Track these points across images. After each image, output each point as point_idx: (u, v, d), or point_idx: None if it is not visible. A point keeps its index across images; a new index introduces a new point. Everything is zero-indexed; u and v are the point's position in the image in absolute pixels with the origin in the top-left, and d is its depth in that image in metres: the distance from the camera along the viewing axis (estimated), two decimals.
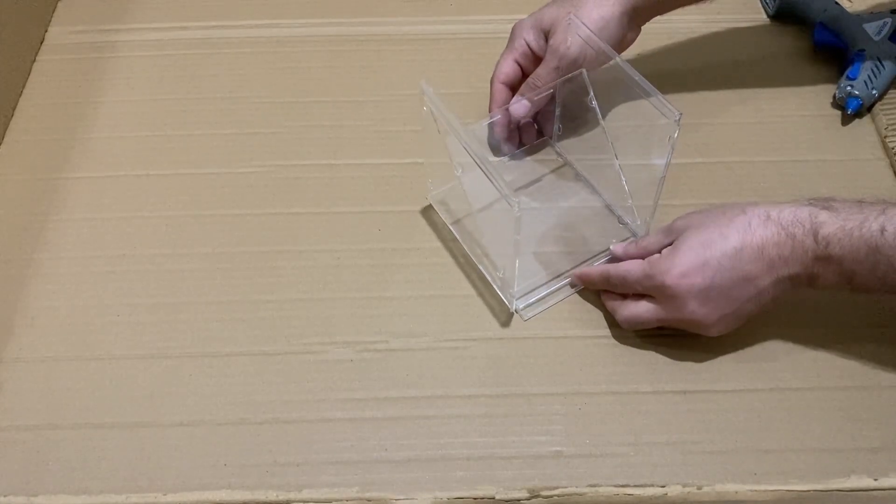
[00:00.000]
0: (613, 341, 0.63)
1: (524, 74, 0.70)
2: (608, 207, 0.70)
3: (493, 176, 0.55)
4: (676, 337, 0.61)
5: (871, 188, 0.71)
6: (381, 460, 0.57)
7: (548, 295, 0.65)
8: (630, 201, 0.68)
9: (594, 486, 0.56)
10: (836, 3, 0.82)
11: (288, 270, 0.67)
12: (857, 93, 0.74)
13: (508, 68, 0.70)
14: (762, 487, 0.56)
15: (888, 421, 0.58)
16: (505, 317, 0.64)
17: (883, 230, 0.52)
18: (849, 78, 0.75)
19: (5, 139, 0.76)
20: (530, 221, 0.69)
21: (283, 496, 0.56)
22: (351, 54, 0.83)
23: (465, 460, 0.57)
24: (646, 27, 0.71)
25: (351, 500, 0.56)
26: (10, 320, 0.64)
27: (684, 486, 0.56)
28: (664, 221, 0.62)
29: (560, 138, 0.74)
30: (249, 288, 0.66)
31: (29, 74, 0.82)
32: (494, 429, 0.59)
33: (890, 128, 0.75)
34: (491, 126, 0.73)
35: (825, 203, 0.55)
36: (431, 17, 0.86)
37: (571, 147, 0.74)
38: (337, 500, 0.56)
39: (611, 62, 0.64)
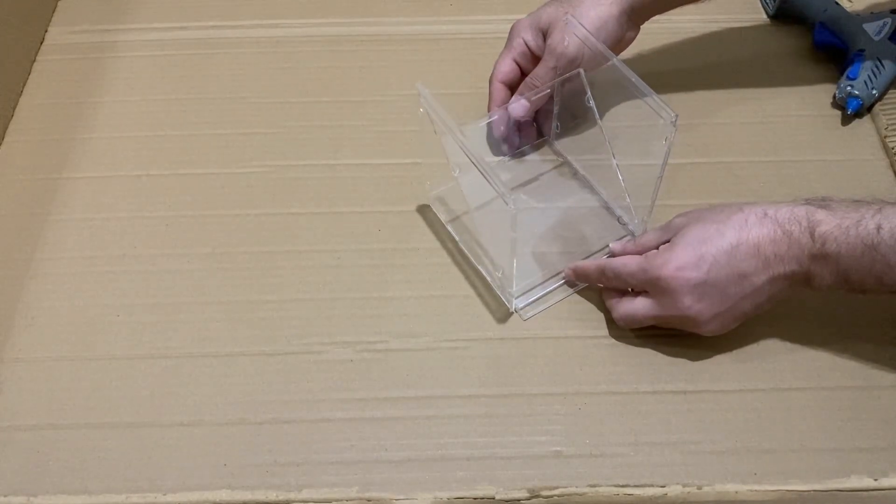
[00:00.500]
0: (613, 341, 0.63)
1: (523, 74, 0.70)
2: (607, 207, 0.70)
3: (489, 174, 0.55)
4: (676, 337, 0.61)
5: (871, 188, 0.71)
6: (381, 460, 0.57)
7: (547, 294, 0.65)
8: (628, 200, 0.68)
9: (594, 486, 0.56)
10: (836, 3, 0.81)
11: (288, 270, 0.67)
12: (857, 93, 0.74)
13: (507, 68, 0.70)
14: (762, 487, 0.56)
15: (888, 421, 0.58)
16: (505, 317, 0.64)
17: (879, 228, 0.52)
18: (849, 78, 0.75)
19: (5, 139, 0.76)
20: (529, 221, 0.69)
21: (283, 496, 0.56)
22: (351, 54, 0.83)
23: (465, 460, 0.57)
24: (645, 27, 0.71)
25: (351, 500, 0.56)
26: (10, 320, 0.64)
27: (684, 486, 0.56)
28: (662, 221, 0.62)
29: (558, 137, 0.74)
30: (249, 288, 0.66)
31: (29, 74, 0.82)
32: (494, 429, 0.59)
33: (890, 128, 0.75)
34: (490, 126, 0.73)
35: (822, 202, 0.55)
36: (431, 17, 0.86)
37: (570, 146, 0.74)
38: (337, 500, 0.56)
39: (608, 63, 0.64)
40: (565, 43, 0.65)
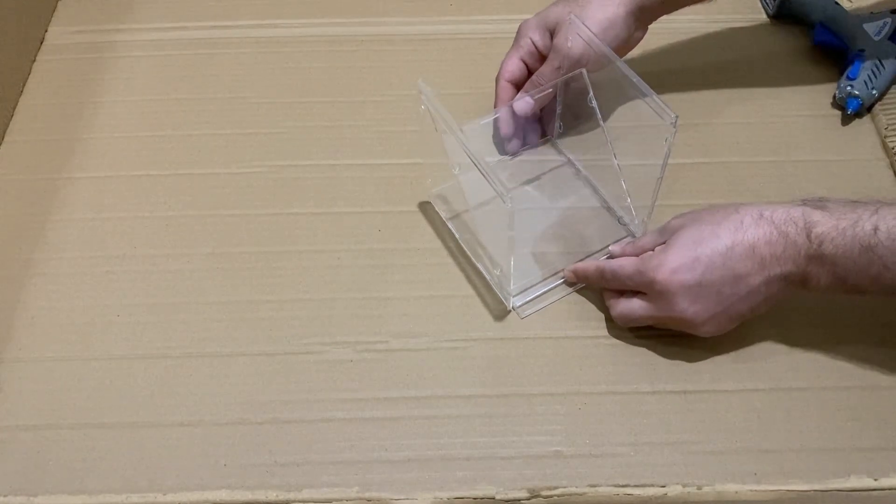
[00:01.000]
0: (613, 341, 0.63)
1: (530, 73, 0.71)
2: (607, 206, 0.70)
3: (488, 172, 0.55)
4: (676, 337, 0.61)
5: (870, 188, 0.71)
6: (380, 460, 0.57)
7: (546, 293, 0.65)
8: (629, 201, 0.68)
9: (594, 486, 0.56)
10: (836, 3, 0.82)
11: (288, 270, 0.67)
12: (857, 93, 0.74)
13: (514, 66, 0.70)
14: (762, 487, 0.56)
15: (888, 421, 0.58)
16: (505, 317, 0.64)
17: (876, 229, 0.52)
18: (849, 78, 0.75)
19: (5, 139, 0.76)
20: (529, 220, 0.69)
21: (283, 496, 0.56)
22: (351, 54, 0.83)
23: (465, 460, 0.57)
24: None
25: (351, 500, 0.56)
26: (10, 320, 0.64)
27: (684, 486, 0.56)
28: (663, 221, 0.62)
29: (561, 137, 0.74)
30: (249, 288, 0.66)
31: (29, 74, 0.82)
32: (494, 429, 0.59)
33: (890, 128, 0.75)
34: (495, 123, 0.73)
35: (819, 202, 0.55)
36: (431, 17, 0.86)
37: (572, 145, 0.74)
38: (337, 500, 0.56)
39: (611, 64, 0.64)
40: (570, 43, 0.66)
